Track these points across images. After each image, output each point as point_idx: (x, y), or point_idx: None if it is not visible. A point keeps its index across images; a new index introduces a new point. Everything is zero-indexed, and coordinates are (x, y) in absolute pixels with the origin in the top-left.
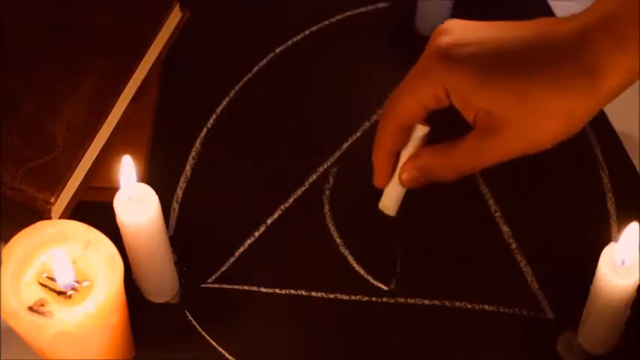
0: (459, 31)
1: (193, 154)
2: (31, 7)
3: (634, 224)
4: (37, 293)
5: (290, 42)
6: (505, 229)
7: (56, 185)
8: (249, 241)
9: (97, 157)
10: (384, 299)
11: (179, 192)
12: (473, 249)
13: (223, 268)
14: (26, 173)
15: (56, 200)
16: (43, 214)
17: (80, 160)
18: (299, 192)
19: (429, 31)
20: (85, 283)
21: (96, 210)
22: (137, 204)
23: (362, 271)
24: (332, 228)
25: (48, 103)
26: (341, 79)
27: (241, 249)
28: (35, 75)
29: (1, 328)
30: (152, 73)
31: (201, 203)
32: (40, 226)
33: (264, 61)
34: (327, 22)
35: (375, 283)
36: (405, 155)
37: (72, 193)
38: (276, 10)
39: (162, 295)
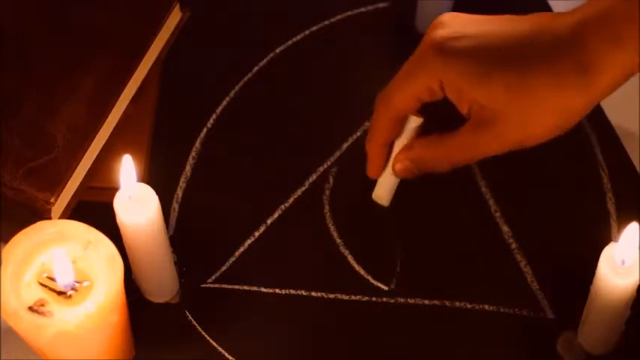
0: (455, 24)
1: (193, 154)
2: (31, 7)
3: (634, 224)
4: (37, 293)
5: (290, 42)
6: (505, 229)
7: (56, 185)
8: (249, 241)
9: (97, 157)
10: (384, 299)
11: (179, 192)
12: (473, 249)
13: (223, 268)
14: (26, 173)
15: (56, 200)
16: (43, 214)
17: (80, 160)
18: (299, 192)
19: None
20: (85, 283)
21: (96, 210)
22: (137, 204)
23: (362, 271)
24: (332, 228)
25: (48, 103)
26: (341, 79)
27: (241, 249)
28: (35, 75)
29: (1, 328)
30: (152, 73)
31: (201, 203)
32: (40, 226)
33: (264, 61)
34: (327, 22)
35: (375, 283)
36: (398, 146)
37: (72, 193)
38: (276, 10)
39: (162, 295)
